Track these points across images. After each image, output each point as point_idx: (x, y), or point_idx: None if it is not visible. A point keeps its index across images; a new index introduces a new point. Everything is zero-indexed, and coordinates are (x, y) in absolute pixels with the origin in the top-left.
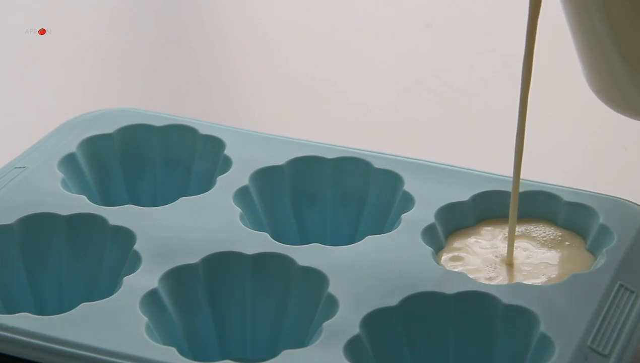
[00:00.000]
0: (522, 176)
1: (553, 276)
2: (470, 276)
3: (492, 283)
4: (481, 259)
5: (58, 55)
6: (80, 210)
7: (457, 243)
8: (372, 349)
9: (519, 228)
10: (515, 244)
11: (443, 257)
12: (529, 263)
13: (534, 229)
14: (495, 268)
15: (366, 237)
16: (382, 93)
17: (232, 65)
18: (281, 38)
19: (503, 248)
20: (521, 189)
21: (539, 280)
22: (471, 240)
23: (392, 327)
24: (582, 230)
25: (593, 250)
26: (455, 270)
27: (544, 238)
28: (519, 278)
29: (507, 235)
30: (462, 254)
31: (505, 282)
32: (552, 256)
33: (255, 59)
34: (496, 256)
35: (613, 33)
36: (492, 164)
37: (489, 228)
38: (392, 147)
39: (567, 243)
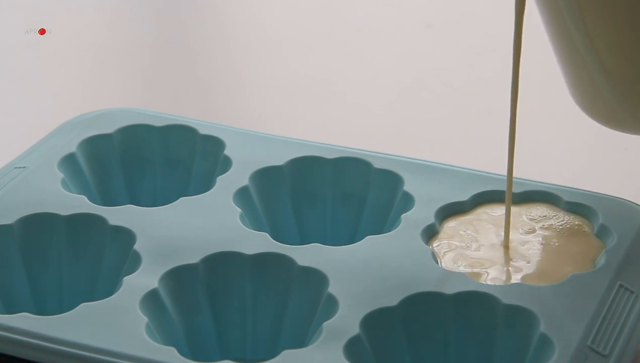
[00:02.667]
0: (522, 176)
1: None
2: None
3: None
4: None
5: (58, 55)
6: (80, 210)
7: (452, 223)
8: (372, 349)
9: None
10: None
11: (436, 243)
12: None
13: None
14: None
15: (366, 237)
16: (382, 93)
17: (232, 65)
18: (281, 38)
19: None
20: (522, 189)
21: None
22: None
23: (392, 327)
24: None
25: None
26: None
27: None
28: (514, 260)
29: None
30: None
31: (500, 265)
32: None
33: (255, 59)
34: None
35: (591, 45)
36: (492, 164)
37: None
38: (392, 147)
39: (577, 222)
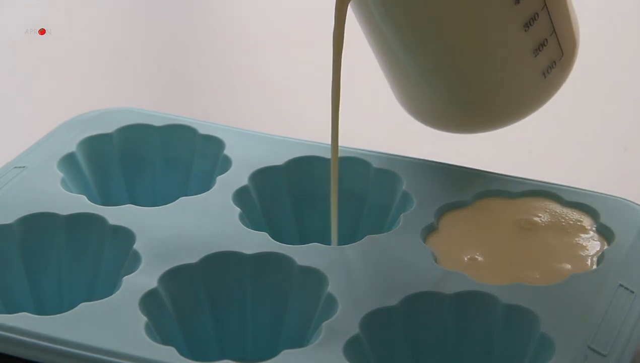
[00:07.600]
0: (522, 175)
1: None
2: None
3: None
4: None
5: (58, 55)
6: (80, 210)
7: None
8: (372, 349)
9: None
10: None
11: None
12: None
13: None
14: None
15: (366, 237)
16: (382, 93)
17: (232, 65)
18: (281, 38)
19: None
20: (522, 188)
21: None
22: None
23: (392, 327)
24: None
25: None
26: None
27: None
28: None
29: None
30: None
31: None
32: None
33: (254, 59)
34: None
35: (406, 49)
36: (492, 164)
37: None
38: (392, 147)
39: (577, 220)
